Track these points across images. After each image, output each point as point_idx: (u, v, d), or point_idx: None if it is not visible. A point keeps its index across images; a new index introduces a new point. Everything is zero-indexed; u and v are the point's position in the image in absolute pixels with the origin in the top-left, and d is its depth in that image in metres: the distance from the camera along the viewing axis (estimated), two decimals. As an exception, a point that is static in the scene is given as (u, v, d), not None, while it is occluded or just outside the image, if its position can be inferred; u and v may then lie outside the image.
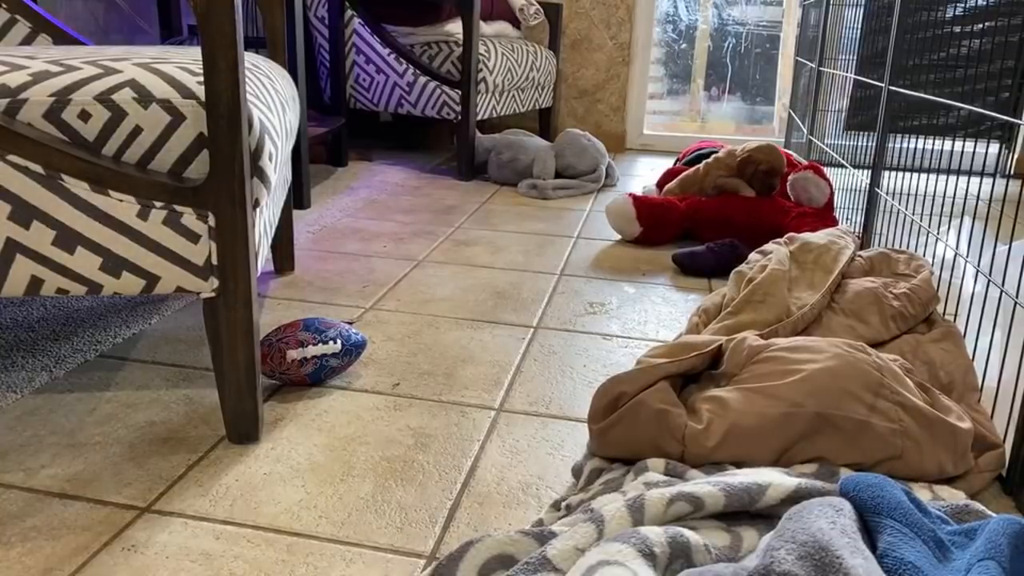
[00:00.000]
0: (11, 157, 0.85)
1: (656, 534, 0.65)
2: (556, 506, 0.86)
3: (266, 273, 1.64)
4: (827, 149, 2.46)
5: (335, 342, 1.13)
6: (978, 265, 1.18)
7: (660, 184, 2.30)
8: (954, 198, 1.36)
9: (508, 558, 0.69)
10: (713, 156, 2.12)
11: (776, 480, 0.75)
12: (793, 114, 3.16)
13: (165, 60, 0.96)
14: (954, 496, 0.87)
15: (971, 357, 1.16)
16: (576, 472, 0.95)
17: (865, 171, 1.79)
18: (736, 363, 1.01)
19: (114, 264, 0.91)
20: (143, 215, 0.89)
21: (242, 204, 0.90)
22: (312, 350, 1.11)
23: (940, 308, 1.34)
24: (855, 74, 2.25)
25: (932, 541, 0.66)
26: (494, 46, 2.71)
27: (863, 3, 2.30)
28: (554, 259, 1.83)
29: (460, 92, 2.61)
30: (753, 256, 1.46)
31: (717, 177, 2.07)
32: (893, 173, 1.70)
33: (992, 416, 1.04)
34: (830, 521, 0.65)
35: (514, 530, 0.71)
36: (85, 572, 0.76)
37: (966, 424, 0.94)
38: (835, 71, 2.53)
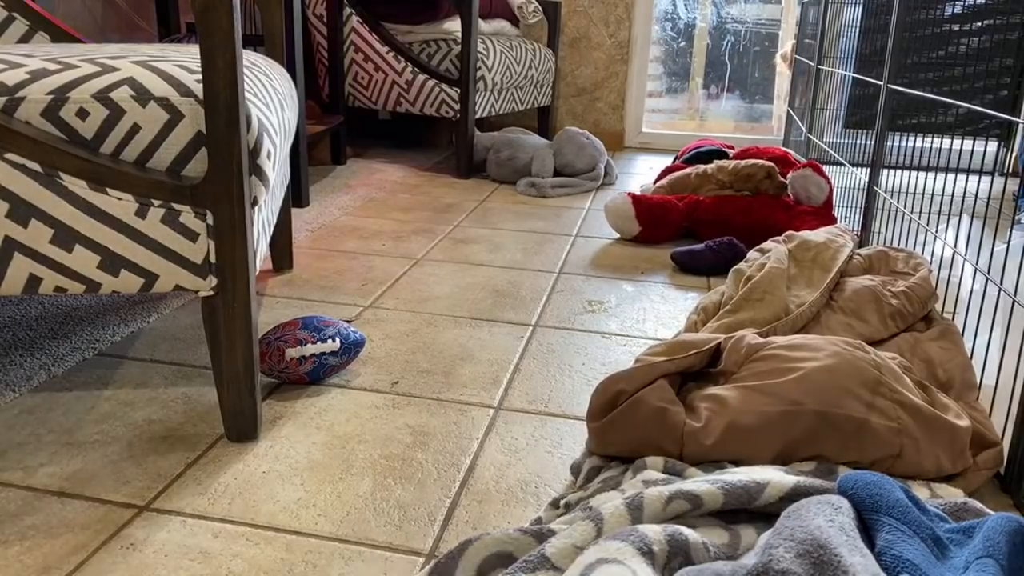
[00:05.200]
0: (9, 155, 0.85)
1: (655, 532, 0.65)
2: (555, 504, 0.86)
3: (265, 271, 1.64)
4: (826, 147, 2.46)
5: (334, 340, 1.13)
6: (976, 263, 1.18)
7: (657, 182, 2.31)
8: (952, 196, 1.36)
9: (507, 556, 0.69)
10: (704, 171, 2.14)
11: (775, 478, 0.75)
12: (792, 112, 3.16)
13: (163, 58, 0.96)
14: (952, 494, 0.87)
15: (969, 355, 1.16)
16: (575, 470, 0.95)
17: (864, 169, 1.79)
18: (735, 361, 1.01)
19: (112, 262, 0.91)
20: (141, 213, 0.89)
21: (240, 202, 0.90)
22: (311, 348, 1.10)
23: (939, 306, 1.34)
24: (854, 72, 2.25)
25: (930, 539, 0.66)
26: (493, 44, 2.71)
27: (862, 1, 2.30)
28: (553, 257, 1.83)
29: (459, 90, 2.60)
30: (752, 254, 1.47)
31: (708, 191, 2.09)
32: (892, 171, 1.70)
33: (990, 414, 1.04)
34: (828, 519, 0.65)
35: (513, 528, 0.71)
36: (84, 570, 0.76)
37: (964, 422, 0.94)
38: (834, 69, 2.52)
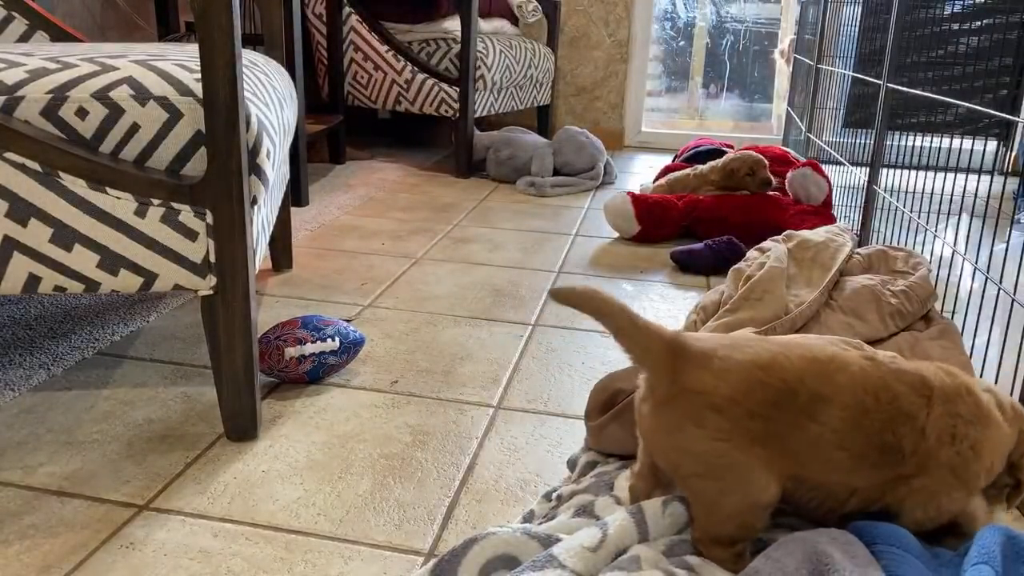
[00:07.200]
0: (8, 154, 0.85)
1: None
2: (548, 497, 0.87)
3: (264, 271, 1.64)
4: (825, 146, 2.46)
5: (333, 340, 1.12)
6: (976, 262, 1.18)
7: (656, 181, 2.31)
8: (952, 195, 1.36)
9: (510, 559, 0.69)
10: (700, 171, 2.15)
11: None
12: (791, 111, 3.16)
13: (162, 57, 0.96)
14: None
15: (969, 354, 1.16)
16: (571, 464, 0.95)
17: (863, 168, 1.79)
18: (734, 360, 1.01)
19: (112, 262, 0.91)
20: (141, 213, 0.89)
21: (240, 202, 0.90)
22: (310, 348, 1.10)
23: (938, 305, 1.34)
24: (853, 71, 2.25)
25: (928, 557, 0.67)
26: (492, 43, 2.71)
27: (861, 0, 2.30)
28: (552, 257, 1.83)
29: (458, 89, 2.60)
30: (751, 254, 1.46)
31: (705, 190, 2.10)
32: (891, 170, 1.70)
33: (989, 413, 1.04)
34: (831, 537, 0.66)
35: (519, 530, 0.71)
36: (83, 570, 0.76)
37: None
38: (833, 68, 2.53)
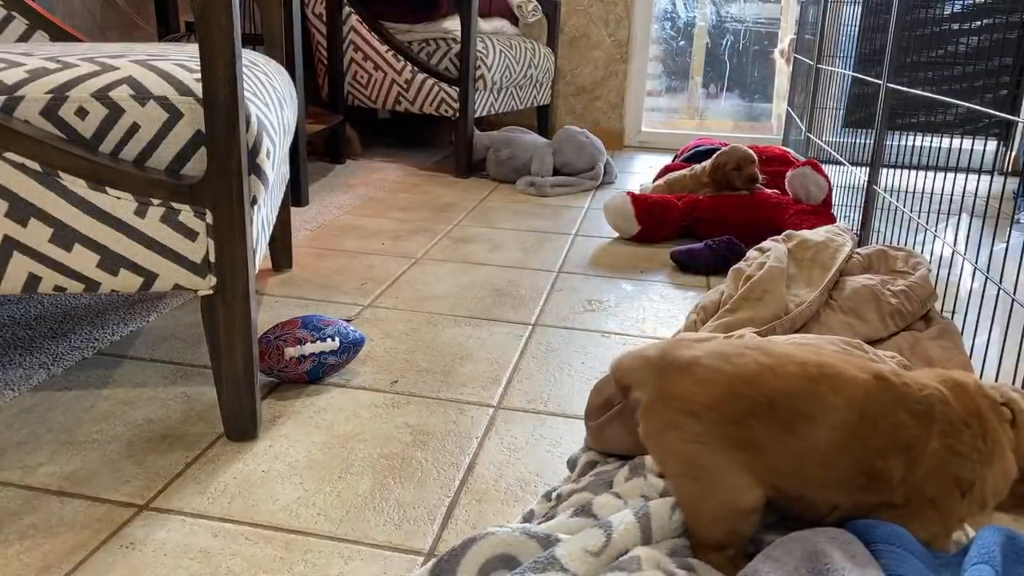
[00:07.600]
0: (8, 154, 0.85)
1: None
2: (547, 497, 0.87)
3: (264, 270, 1.64)
4: (825, 146, 2.46)
5: (333, 339, 1.13)
6: (976, 262, 1.18)
7: (656, 181, 2.31)
8: (952, 195, 1.36)
9: (510, 559, 0.69)
10: (694, 172, 2.16)
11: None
12: (791, 111, 3.16)
13: (162, 57, 0.96)
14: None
15: (969, 354, 1.16)
16: (571, 464, 0.95)
17: (863, 168, 1.79)
18: (734, 360, 1.01)
19: (112, 262, 0.91)
20: (141, 212, 0.89)
21: (240, 201, 0.90)
22: (310, 347, 1.10)
23: (938, 305, 1.34)
24: (853, 71, 2.25)
25: (927, 558, 0.67)
26: (492, 43, 2.71)
27: (861, 0, 2.30)
28: (552, 256, 1.83)
29: (458, 89, 2.60)
30: (751, 253, 1.47)
31: (701, 191, 2.11)
32: (891, 170, 1.70)
33: (989, 413, 1.04)
34: (830, 536, 0.66)
35: (518, 529, 0.71)
36: (83, 569, 0.76)
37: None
38: (833, 68, 2.53)
